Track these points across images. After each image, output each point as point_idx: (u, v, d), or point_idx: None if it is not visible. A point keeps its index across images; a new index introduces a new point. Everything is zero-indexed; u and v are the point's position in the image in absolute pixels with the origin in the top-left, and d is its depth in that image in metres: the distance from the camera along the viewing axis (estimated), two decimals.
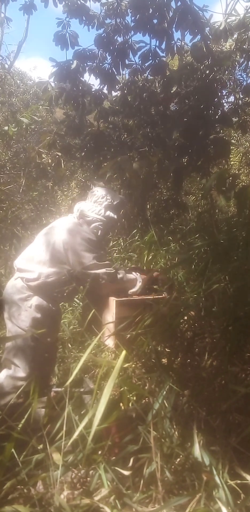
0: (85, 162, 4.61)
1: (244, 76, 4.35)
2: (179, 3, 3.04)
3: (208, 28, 3.43)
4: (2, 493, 1.00)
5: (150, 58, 3.39)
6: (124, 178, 3.94)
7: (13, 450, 1.03)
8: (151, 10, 3.21)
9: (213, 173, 3.24)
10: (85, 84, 3.84)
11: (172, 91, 3.57)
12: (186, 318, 1.88)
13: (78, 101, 3.89)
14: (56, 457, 1.08)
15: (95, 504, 0.96)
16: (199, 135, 2.91)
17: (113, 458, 1.17)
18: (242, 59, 4.04)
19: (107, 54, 3.66)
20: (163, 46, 3.30)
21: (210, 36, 3.45)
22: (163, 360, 1.69)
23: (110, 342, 1.94)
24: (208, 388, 1.44)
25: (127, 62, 3.65)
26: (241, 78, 4.35)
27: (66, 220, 2.17)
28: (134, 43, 3.57)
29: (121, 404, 1.35)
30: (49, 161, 4.85)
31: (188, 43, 4.09)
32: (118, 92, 4.13)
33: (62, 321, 2.62)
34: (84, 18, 3.62)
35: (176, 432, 1.22)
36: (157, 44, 3.32)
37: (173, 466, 1.12)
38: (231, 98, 4.37)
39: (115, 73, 3.68)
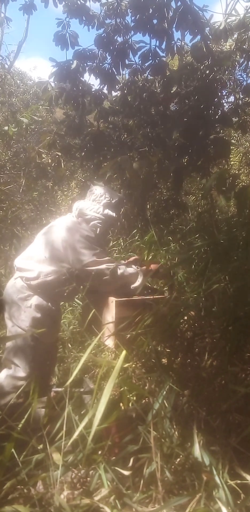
0: (85, 162, 4.60)
1: (244, 76, 4.35)
2: (179, 3, 3.04)
3: (208, 28, 3.43)
4: (2, 493, 1.00)
5: (150, 58, 3.39)
6: (124, 178, 3.95)
7: (13, 450, 1.03)
8: (151, 10, 3.21)
9: (213, 173, 3.24)
10: (85, 84, 3.84)
11: (172, 91, 3.57)
12: (186, 318, 1.88)
13: (78, 101, 3.89)
14: (56, 457, 1.08)
15: (95, 504, 0.96)
16: (199, 135, 2.91)
17: (113, 458, 1.17)
18: (242, 59, 4.04)
19: (107, 54, 3.66)
20: (163, 46, 3.30)
21: (210, 36, 3.45)
22: (163, 360, 1.69)
23: (110, 342, 1.94)
24: (208, 388, 1.44)
25: (127, 62, 3.65)
26: (241, 78, 4.36)
27: (65, 219, 2.18)
28: (134, 43, 3.57)
29: (121, 404, 1.35)
30: (49, 161, 4.86)
31: (188, 43, 4.10)
32: (118, 92, 4.13)
33: (62, 321, 2.62)
34: (84, 18, 3.62)
35: (176, 432, 1.22)
36: (157, 44, 3.32)
37: (173, 466, 1.12)
38: (231, 98, 4.39)
39: (115, 73, 3.68)
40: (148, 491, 1.05)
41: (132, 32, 3.53)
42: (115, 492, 1.00)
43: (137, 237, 4.21)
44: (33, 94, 10.67)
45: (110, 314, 1.97)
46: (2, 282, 3.12)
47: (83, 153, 4.24)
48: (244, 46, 3.83)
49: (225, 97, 4.41)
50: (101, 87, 3.88)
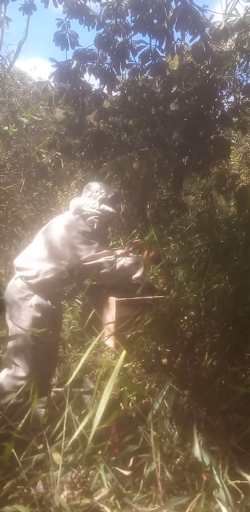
0: (85, 162, 4.60)
1: (244, 76, 4.35)
2: (179, 3, 3.03)
3: (208, 28, 3.43)
4: (2, 493, 1.00)
5: (150, 58, 3.38)
6: (124, 178, 3.95)
7: (13, 450, 1.03)
8: (151, 10, 3.21)
9: (213, 173, 3.24)
10: (85, 84, 3.84)
11: (172, 91, 3.57)
12: (186, 318, 1.88)
13: (78, 101, 3.88)
14: (56, 457, 1.08)
15: (95, 504, 0.96)
16: (199, 135, 2.91)
17: (113, 458, 1.17)
18: (242, 59, 4.03)
19: (107, 54, 3.65)
20: (163, 46, 3.30)
21: (210, 36, 3.45)
22: (163, 360, 1.69)
23: (110, 342, 1.94)
24: (208, 388, 1.44)
25: (127, 62, 3.64)
26: (241, 78, 4.35)
27: (63, 217, 2.19)
28: (134, 43, 3.56)
29: (121, 404, 1.35)
30: (49, 161, 4.85)
31: (188, 43, 4.10)
32: (118, 92, 4.13)
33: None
34: (84, 18, 3.62)
35: (176, 432, 1.22)
36: (157, 44, 3.31)
37: (173, 466, 1.13)
38: (231, 98, 4.38)
39: (115, 73, 3.67)
40: (148, 491, 1.05)
41: (132, 32, 3.52)
42: (115, 492, 1.00)
43: (137, 237, 4.20)
44: (33, 94, 10.67)
45: (110, 314, 1.97)
46: (2, 282, 3.12)
47: (83, 153, 4.24)
48: (244, 46, 3.82)
49: (225, 97, 4.41)
50: (101, 87, 3.87)
